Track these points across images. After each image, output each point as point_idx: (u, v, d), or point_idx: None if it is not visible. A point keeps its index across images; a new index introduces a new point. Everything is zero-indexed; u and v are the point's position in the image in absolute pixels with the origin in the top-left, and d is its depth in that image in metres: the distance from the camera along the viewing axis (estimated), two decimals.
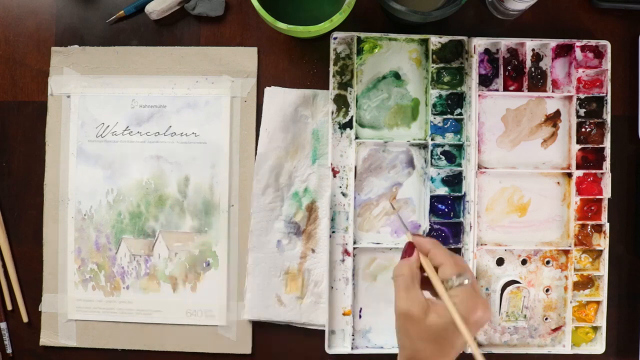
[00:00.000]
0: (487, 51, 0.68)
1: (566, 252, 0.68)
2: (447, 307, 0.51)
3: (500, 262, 0.69)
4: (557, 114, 0.69)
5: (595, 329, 0.68)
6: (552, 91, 0.68)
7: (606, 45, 0.68)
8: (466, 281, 0.52)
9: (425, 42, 0.69)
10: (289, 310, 0.68)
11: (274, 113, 0.69)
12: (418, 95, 0.69)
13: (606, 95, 0.68)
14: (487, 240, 0.69)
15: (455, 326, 0.51)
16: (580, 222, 0.68)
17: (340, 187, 0.68)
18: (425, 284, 0.54)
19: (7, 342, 0.69)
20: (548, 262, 0.69)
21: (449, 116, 0.68)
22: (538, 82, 0.69)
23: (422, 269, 0.55)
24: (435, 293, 0.54)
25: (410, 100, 0.69)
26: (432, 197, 0.68)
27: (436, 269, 0.54)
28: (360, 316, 0.68)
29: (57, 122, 0.70)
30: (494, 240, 0.69)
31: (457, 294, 0.52)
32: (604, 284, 0.68)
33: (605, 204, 0.68)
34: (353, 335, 0.68)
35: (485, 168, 0.68)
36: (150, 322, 0.69)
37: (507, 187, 0.69)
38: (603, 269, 0.68)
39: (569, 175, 0.68)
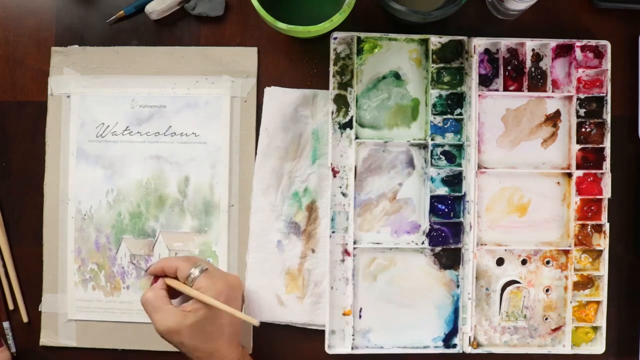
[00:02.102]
0: (487, 51, 0.68)
1: (566, 252, 0.68)
2: (198, 300, 0.57)
3: (500, 262, 0.69)
4: (557, 114, 0.69)
5: (595, 329, 0.68)
6: (552, 91, 0.68)
7: (606, 45, 0.68)
8: (204, 266, 0.60)
9: (425, 42, 0.69)
10: (289, 310, 0.68)
11: (273, 113, 0.69)
12: (418, 95, 0.69)
13: (606, 95, 0.68)
14: (487, 240, 0.69)
15: (213, 311, 0.57)
16: (580, 222, 0.68)
17: (340, 187, 0.68)
18: (177, 296, 0.61)
19: (10, 341, 0.69)
20: (548, 262, 0.69)
21: (449, 116, 0.68)
22: (538, 82, 0.69)
23: (170, 288, 0.61)
24: (188, 298, 0.60)
25: (410, 100, 0.69)
26: (432, 197, 0.68)
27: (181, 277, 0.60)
28: (360, 316, 0.68)
29: (57, 122, 0.70)
30: (494, 240, 0.69)
31: (201, 283, 0.59)
32: (604, 284, 0.68)
33: (605, 204, 0.68)
34: (353, 335, 0.68)
35: (485, 168, 0.68)
36: (151, 322, 0.69)
37: (507, 187, 0.69)
38: (603, 269, 0.68)
39: (569, 175, 0.68)
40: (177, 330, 0.58)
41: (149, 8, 0.68)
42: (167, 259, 0.62)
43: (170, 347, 0.69)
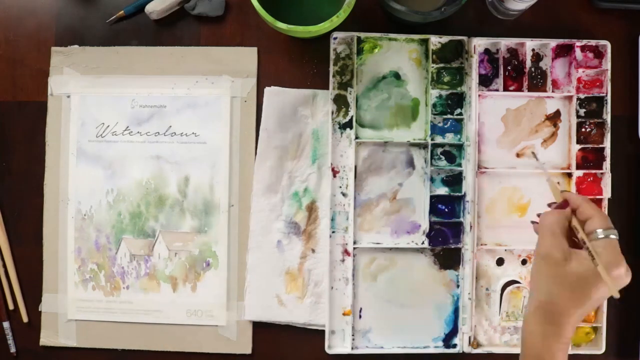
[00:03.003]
0: (487, 51, 0.68)
1: None
2: (588, 257, 0.51)
3: (500, 262, 0.69)
4: (557, 114, 0.69)
5: (595, 329, 0.68)
6: (552, 91, 0.68)
7: (606, 45, 0.68)
8: (612, 236, 0.52)
9: (425, 42, 0.69)
10: (289, 310, 0.68)
11: (273, 113, 0.69)
12: (418, 95, 0.69)
13: (606, 95, 0.68)
14: (487, 240, 0.69)
15: (594, 278, 0.51)
16: None
17: (340, 187, 0.68)
18: (567, 238, 0.54)
19: (10, 341, 0.69)
20: None
21: (449, 116, 0.68)
22: (538, 82, 0.69)
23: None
24: (575, 246, 0.54)
25: (410, 100, 0.69)
26: (432, 197, 0.68)
27: (583, 223, 0.54)
28: (360, 316, 0.68)
29: (57, 122, 0.70)
30: (494, 240, 0.69)
31: (601, 245, 0.52)
32: None
33: (605, 204, 0.68)
34: (353, 335, 0.68)
35: (485, 168, 0.68)
36: (150, 322, 0.69)
37: (507, 187, 0.69)
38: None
39: (569, 175, 0.68)
40: (557, 263, 0.52)
41: (149, 8, 0.68)
42: (588, 202, 0.55)
43: (170, 347, 0.69)
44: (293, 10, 0.67)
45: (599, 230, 0.53)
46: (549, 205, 0.57)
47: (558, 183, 0.69)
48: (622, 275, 0.52)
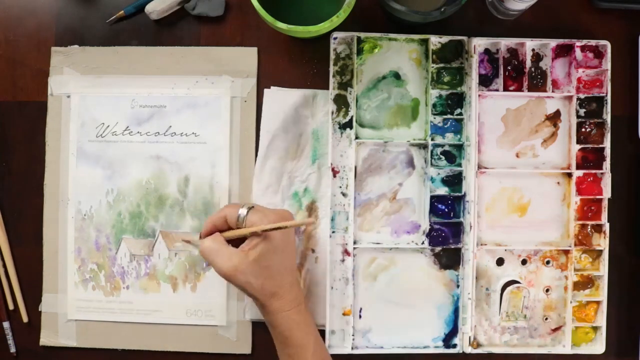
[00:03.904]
0: (487, 51, 0.68)
1: (566, 252, 0.68)
2: (254, 236, 0.58)
3: (500, 262, 0.69)
4: (557, 114, 0.69)
5: (595, 329, 0.68)
6: (552, 91, 0.68)
7: (606, 45, 0.68)
8: (249, 206, 0.60)
9: (425, 42, 0.69)
10: None
11: (274, 113, 0.69)
12: (418, 95, 0.69)
13: (606, 95, 0.68)
14: (487, 240, 0.69)
15: (272, 244, 0.58)
16: (580, 222, 0.68)
17: (340, 187, 0.68)
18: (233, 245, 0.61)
19: (10, 341, 0.69)
20: (548, 262, 0.69)
21: (449, 116, 0.68)
22: (538, 82, 0.69)
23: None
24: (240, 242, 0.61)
25: (410, 100, 0.69)
26: (432, 197, 0.68)
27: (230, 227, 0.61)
28: (360, 316, 0.68)
29: (57, 122, 0.70)
30: (494, 240, 0.69)
31: (252, 218, 0.59)
32: (604, 284, 0.68)
33: (605, 204, 0.68)
34: (353, 335, 0.68)
35: (485, 168, 0.68)
36: (150, 322, 0.69)
37: (507, 187, 0.69)
38: (603, 269, 0.68)
39: (569, 175, 0.68)
40: (241, 269, 0.58)
41: (149, 8, 0.68)
42: (213, 214, 0.62)
43: (170, 347, 0.69)
44: (293, 10, 0.67)
45: (240, 211, 0.60)
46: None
47: (558, 183, 0.69)
48: (282, 214, 0.61)
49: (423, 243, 0.68)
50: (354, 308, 0.68)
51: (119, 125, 0.70)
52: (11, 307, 0.70)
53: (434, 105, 0.68)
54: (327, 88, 0.68)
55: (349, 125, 0.68)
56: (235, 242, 0.61)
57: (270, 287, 0.59)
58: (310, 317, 0.63)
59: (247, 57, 0.70)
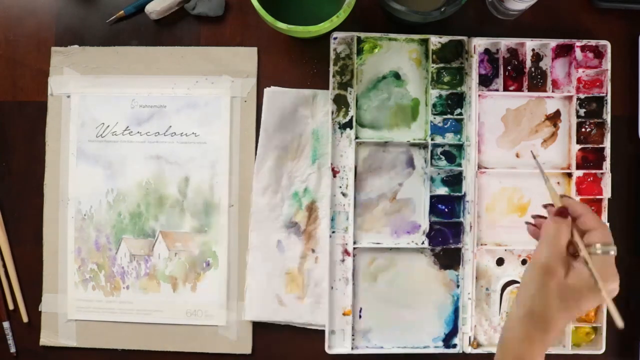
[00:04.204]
0: (487, 51, 0.68)
1: None
2: (585, 270, 0.52)
3: (500, 262, 0.69)
4: (557, 114, 0.69)
5: (595, 329, 0.68)
6: (552, 91, 0.68)
7: (606, 45, 0.68)
8: (612, 252, 0.53)
9: (425, 42, 0.69)
10: (289, 310, 0.68)
11: (273, 113, 0.69)
12: (418, 95, 0.69)
13: (606, 95, 0.68)
14: (487, 240, 0.69)
15: (587, 291, 0.52)
16: None
17: (340, 187, 0.68)
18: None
19: (10, 341, 0.69)
20: None
21: (449, 116, 0.68)
22: (538, 82, 0.69)
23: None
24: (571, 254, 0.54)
25: (410, 100, 0.69)
26: (432, 197, 0.68)
27: (583, 233, 0.54)
28: (360, 316, 0.68)
29: (57, 122, 0.70)
30: (494, 240, 0.69)
31: (599, 261, 0.52)
32: None
33: (605, 204, 0.68)
34: (353, 335, 0.68)
35: (485, 168, 0.68)
36: (150, 322, 0.69)
37: (507, 187, 0.69)
38: None
39: (569, 175, 0.68)
40: (556, 274, 0.52)
41: (149, 8, 0.68)
42: (590, 212, 0.54)
43: (170, 347, 0.69)
44: (293, 10, 0.67)
45: (598, 245, 0.53)
46: (545, 206, 0.57)
47: (558, 183, 0.69)
48: (613, 290, 0.54)
49: (423, 243, 0.68)
50: (354, 308, 0.68)
51: (119, 125, 0.70)
52: (11, 307, 0.70)
53: (434, 105, 0.68)
54: (327, 88, 0.68)
55: (349, 125, 0.68)
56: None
57: (544, 314, 0.53)
58: None
59: (247, 57, 0.70)
